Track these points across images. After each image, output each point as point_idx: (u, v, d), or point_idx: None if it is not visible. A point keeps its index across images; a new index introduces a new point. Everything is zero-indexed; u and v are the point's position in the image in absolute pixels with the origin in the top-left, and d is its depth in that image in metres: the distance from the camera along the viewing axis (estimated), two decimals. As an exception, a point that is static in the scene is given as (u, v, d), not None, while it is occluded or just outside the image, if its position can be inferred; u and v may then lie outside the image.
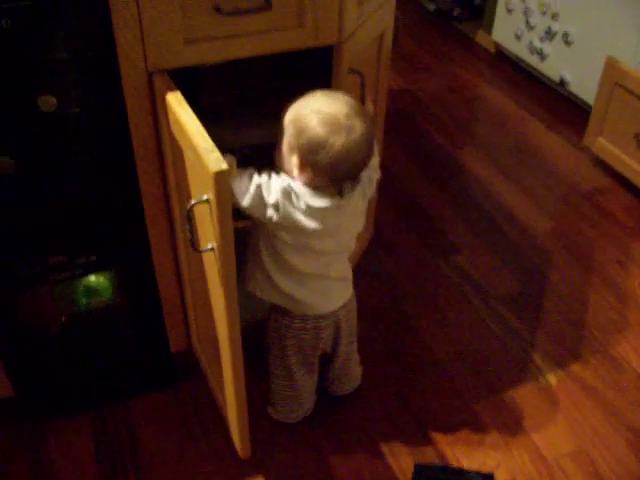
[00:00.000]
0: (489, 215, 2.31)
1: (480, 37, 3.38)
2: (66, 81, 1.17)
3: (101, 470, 1.54)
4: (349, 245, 1.37)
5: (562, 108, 2.89)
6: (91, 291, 1.50)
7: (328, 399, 1.66)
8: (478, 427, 1.64)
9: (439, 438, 1.62)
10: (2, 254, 1.32)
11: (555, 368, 1.79)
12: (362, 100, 1.40)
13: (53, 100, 1.17)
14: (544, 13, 2.83)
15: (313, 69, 1.47)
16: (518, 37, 3.03)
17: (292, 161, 1.20)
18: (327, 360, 1.57)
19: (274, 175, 1.23)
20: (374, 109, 1.45)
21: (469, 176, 2.49)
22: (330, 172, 1.19)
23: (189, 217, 1.07)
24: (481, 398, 1.71)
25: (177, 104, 1.11)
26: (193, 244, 1.12)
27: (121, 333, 1.57)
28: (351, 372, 1.65)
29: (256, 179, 1.20)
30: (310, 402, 1.61)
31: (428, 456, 1.58)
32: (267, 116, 1.52)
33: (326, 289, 1.39)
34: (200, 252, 1.11)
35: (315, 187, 1.21)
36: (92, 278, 1.49)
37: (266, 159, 1.68)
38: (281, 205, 1.20)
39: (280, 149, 1.23)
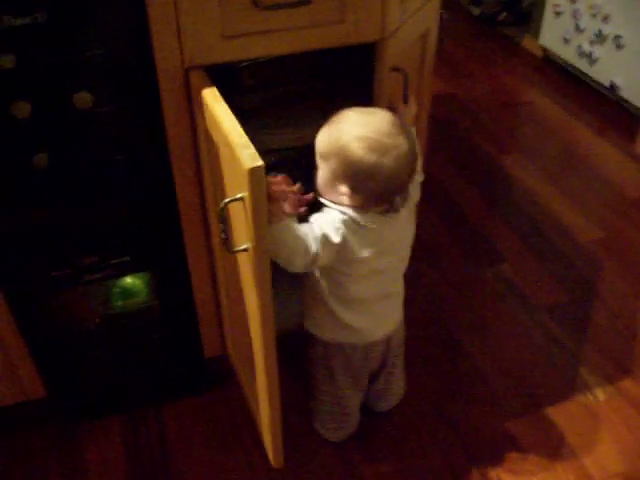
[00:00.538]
0: (535, 223, 2.23)
1: (527, 41, 3.30)
2: (101, 78, 1.15)
3: (133, 475, 1.51)
4: (407, 256, 1.34)
5: (612, 114, 2.79)
6: (126, 293, 1.49)
7: (364, 410, 1.60)
8: (521, 444, 1.57)
9: (479, 455, 1.55)
10: (36, 253, 1.30)
11: (603, 383, 1.71)
12: (405, 100, 1.36)
13: (88, 97, 1.15)
14: (594, 16, 2.74)
15: (353, 69, 1.43)
16: (566, 41, 2.95)
17: (340, 190, 1.16)
18: (371, 377, 1.52)
19: (319, 216, 1.20)
20: (417, 110, 1.40)
21: (515, 183, 2.42)
22: (384, 193, 1.16)
23: (222, 216, 1.03)
24: (524, 413, 1.64)
25: (213, 99, 1.07)
26: (227, 244, 1.08)
27: (155, 336, 1.55)
28: (394, 388, 1.59)
29: (315, 228, 1.17)
30: (356, 419, 1.56)
31: (468, 474, 1.52)
32: (306, 117, 1.49)
33: (386, 309, 1.37)
34: (234, 253, 1.07)
35: (367, 209, 1.18)
36: (128, 280, 1.48)
37: (303, 160, 1.65)
38: (348, 239, 1.18)
39: (322, 178, 1.19)
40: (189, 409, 1.64)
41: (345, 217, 1.17)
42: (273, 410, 1.25)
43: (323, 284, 1.28)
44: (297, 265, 1.16)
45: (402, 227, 1.26)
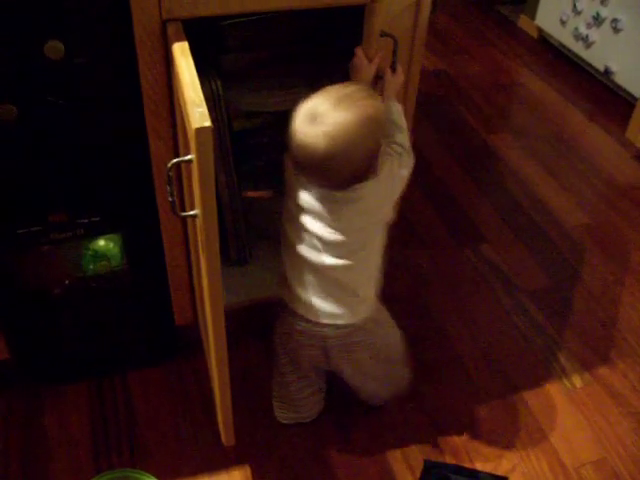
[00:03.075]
0: (521, 205, 2.20)
1: (522, 21, 3.24)
2: (75, 27, 1.09)
3: (95, 442, 1.48)
4: (355, 251, 1.22)
5: (605, 99, 2.76)
6: (98, 256, 1.44)
7: (336, 389, 1.56)
8: (495, 427, 1.55)
9: (453, 437, 1.53)
10: (1, 210, 1.25)
11: (581, 370, 1.69)
12: (393, 68, 1.30)
13: (61, 47, 1.09)
14: (593, -2, 2.69)
15: (343, 33, 1.38)
16: (563, 22, 2.89)
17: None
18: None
19: None
20: (404, 80, 1.35)
21: (503, 164, 2.38)
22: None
23: (169, 178, 0.98)
24: (500, 397, 1.61)
25: (180, 54, 1.02)
26: (174, 208, 1.03)
27: (126, 302, 1.50)
28: (371, 393, 1.52)
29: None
30: (308, 412, 1.51)
31: (440, 455, 1.49)
32: (293, 80, 1.44)
33: (320, 289, 1.25)
34: (182, 218, 1.02)
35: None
36: (100, 242, 1.43)
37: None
38: None
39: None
40: (157, 378, 1.60)
41: None
42: (222, 384, 1.20)
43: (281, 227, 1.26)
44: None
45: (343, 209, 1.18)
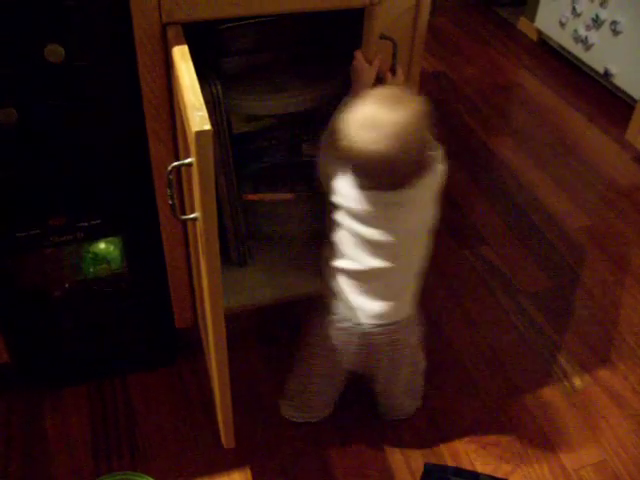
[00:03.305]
0: (521, 207, 2.20)
1: (522, 24, 3.24)
2: (75, 30, 1.09)
3: (95, 445, 1.48)
4: (403, 253, 1.25)
5: (605, 101, 2.76)
6: (98, 259, 1.44)
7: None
8: (495, 429, 1.55)
9: (453, 439, 1.52)
10: (1, 213, 1.25)
11: (581, 372, 1.69)
12: (393, 70, 1.31)
13: (61, 50, 1.09)
14: (592, 0, 2.69)
15: (343, 36, 1.38)
16: (562, 25, 2.90)
17: None
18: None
19: None
20: (404, 81, 1.35)
21: (502, 166, 2.38)
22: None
23: (170, 181, 0.98)
24: (500, 399, 1.61)
25: (180, 57, 1.02)
26: (174, 211, 1.03)
27: (126, 304, 1.50)
28: (396, 402, 1.53)
29: None
30: (320, 411, 1.52)
31: (440, 457, 1.49)
32: (293, 84, 1.44)
33: (367, 292, 1.27)
34: (182, 221, 1.02)
35: None
36: (101, 245, 1.43)
37: (297, 129, 1.61)
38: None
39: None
40: (158, 380, 1.60)
41: None
42: (223, 388, 1.20)
43: (331, 233, 1.27)
44: None
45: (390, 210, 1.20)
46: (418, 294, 1.34)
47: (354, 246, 1.22)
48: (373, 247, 1.21)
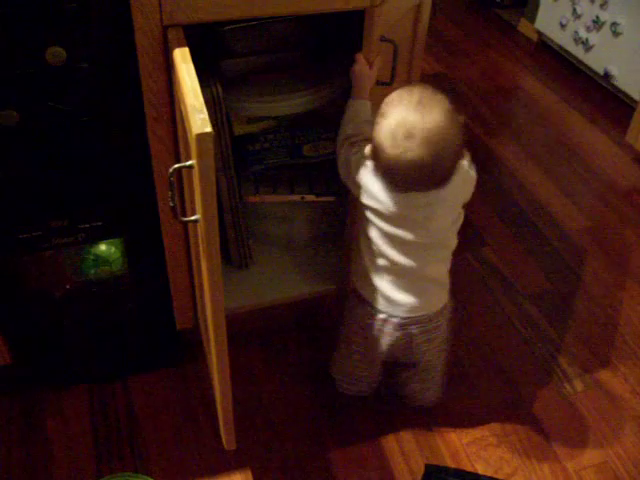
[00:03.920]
0: (521, 209, 2.20)
1: (522, 25, 3.24)
2: (76, 33, 1.09)
3: (96, 446, 1.48)
4: (433, 243, 1.29)
5: (605, 102, 2.75)
6: (99, 260, 1.44)
7: (338, 393, 1.57)
8: (496, 431, 1.55)
9: (454, 440, 1.53)
10: (2, 215, 1.25)
11: (582, 374, 1.69)
12: (393, 72, 1.31)
13: (62, 52, 1.09)
14: (592, 1, 2.69)
15: (344, 38, 1.38)
16: (563, 26, 2.89)
17: None
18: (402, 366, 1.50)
19: None
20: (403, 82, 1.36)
21: (503, 167, 2.38)
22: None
23: (172, 183, 0.98)
24: (501, 401, 1.61)
25: (181, 59, 1.02)
26: (175, 213, 1.03)
27: (127, 306, 1.51)
28: (429, 387, 1.54)
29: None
30: (365, 386, 1.53)
31: (441, 458, 1.49)
32: (295, 86, 1.44)
33: (403, 286, 1.31)
34: (182, 223, 1.02)
35: None
36: (102, 247, 1.43)
37: (298, 130, 1.61)
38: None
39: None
40: (158, 382, 1.60)
41: None
42: (224, 390, 1.20)
43: (362, 233, 1.28)
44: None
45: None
46: (449, 284, 1.37)
47: (386, 245, 1.24)
48: (405, 246, 1.23)
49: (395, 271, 1.27)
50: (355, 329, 1.40)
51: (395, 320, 1.32)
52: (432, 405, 1.57)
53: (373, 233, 1.25)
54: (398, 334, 1.33)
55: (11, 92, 1.11)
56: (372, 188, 1.21)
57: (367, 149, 1.17)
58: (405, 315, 1.31)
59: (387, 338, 1.35)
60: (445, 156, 1.11)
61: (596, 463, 1.50)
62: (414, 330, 1.33)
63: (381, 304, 1.31)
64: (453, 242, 1.31)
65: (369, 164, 1.20)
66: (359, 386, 1.53)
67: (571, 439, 1.54)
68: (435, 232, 1.24)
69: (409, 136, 1.08)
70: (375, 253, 1.27)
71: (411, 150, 1.08)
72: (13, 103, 1.12)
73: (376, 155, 1.14)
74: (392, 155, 1.10)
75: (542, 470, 1.48)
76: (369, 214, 1.24)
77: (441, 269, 1.33)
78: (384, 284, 1.29)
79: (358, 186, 1.24)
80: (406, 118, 1.08)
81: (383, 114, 1.12)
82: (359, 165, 1.23)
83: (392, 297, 1.29)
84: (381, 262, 1.27)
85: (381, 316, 1.32)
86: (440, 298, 1.36)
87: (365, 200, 1.23)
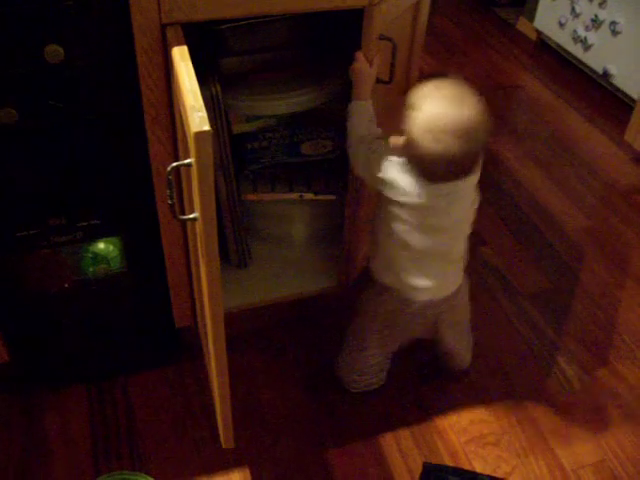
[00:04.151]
0: (520, 208, 2.20)
1: (521, 24, 3.24)
2: (75, 31, 1.09)
3: (95, 445, 1.48)
4: (454, 227, 1.34)
5: (604, 101, 2.76)
6: (98, 258, 1.44)
7: (336, 392, 1.57)
8: (495, 430, 1.55)
9: (453, 439, 1.53)
10: (1, 214, 1.25)
11: (580, 373, 1.69)
12: (392, 69, 1.31)
13: (60, 51, 1.09)
14: (591, 0, 2.69)
15: (343, 37, 1.38)
16: (562, 25, 2.90)
17: None
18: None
19: None
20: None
21: (501, 166, 2.38)
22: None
23: (170, 181, 0.99)
24: (500, 400, 1.61)
25: (179, 58, 1.02)
26: (173, 211, 1.04)
27: (125, 304, 1.50)
28: (462, 355, 1.63)
29: None
30: (375, 377, 1.55)
31: (439, 456, 1.49)
32: (294, 84, 1.44)
33: (427, 270, 1.35)
34: (181, 221, 1.03)
35: None
36: (100, 245, 1.43)
37: (296, 129, 1.61)
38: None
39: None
40: (157, 380, 1.60)
41: None
42: (222, 389, 1.19)
43: (383, 226, 1.31)
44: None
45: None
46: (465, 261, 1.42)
47: (412, 235, 1.26)
48: (430, 233, 1.26)
49: (421, 259, 1.30)
50: (379, 317, 1.42)
51: (420, 304, 1.36)
52: (465, 369, 1.65)
53: (399, 227, 1.26)
54: (427, 313, 1.39)
55: (10, 90, 1.11)
56: (400, 183, 1.22)
57: (393, 143, 1.19)
58: (428, 298, 1.36)
59: (418, 318, 1.40)
60: (480, 148, 1.15)
61: (594, 462, 1.50)
62: (443, 308, 1.40)
63: (410, 292, 1.34)
64: (469, 225, 1.35)
65: (394, 159, 1.22)
66: (368, 379, 1.54)
67: (569, 438, 1.55)
68: (457, 216, 1.28)
69: (450, 130, 1.10)
70: (401, 245, 1.28)
71: (452, 144, 1.10)
72: (12, 101, 1.12)
73: (410, 149, 1.15)
74: (432, 149, 1.11)
75: (540, 468, 1.48)
76: (393, 208, 1.25)
77: (462, 248, 1.37)
78: (412, 272, 1.32)
79: (383, 183, 1.25)
80: (444, 112, 1.10)
81: (418, 108, 1.13)
82: (381, 162, 1.24)
83: (420, 285, 1.33)
84: (407, 253, 1.29)
85: (413, 306, 1.36)
86: (461, 274, 1.41)
87: (392, 195, 1.24)
